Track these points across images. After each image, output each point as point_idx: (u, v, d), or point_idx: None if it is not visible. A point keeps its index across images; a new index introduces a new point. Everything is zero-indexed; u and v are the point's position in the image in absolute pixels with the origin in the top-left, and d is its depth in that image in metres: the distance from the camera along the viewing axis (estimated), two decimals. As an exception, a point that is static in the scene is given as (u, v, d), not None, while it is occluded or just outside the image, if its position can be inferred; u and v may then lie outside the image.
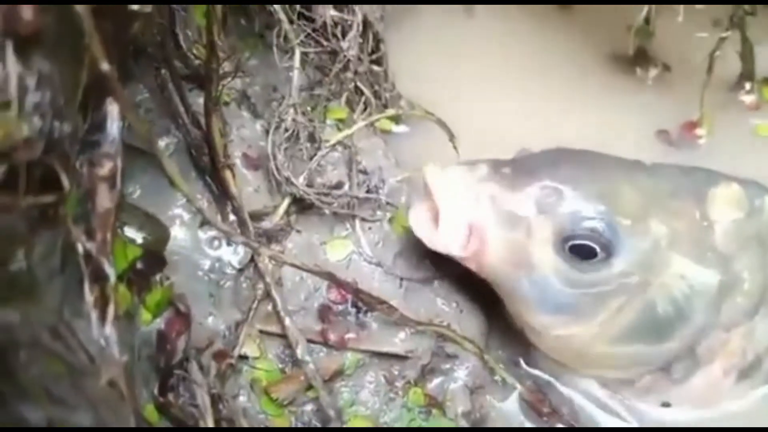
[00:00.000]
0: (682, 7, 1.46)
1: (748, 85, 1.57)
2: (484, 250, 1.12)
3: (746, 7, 1.43)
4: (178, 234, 1.14)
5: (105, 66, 0.75)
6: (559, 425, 1.21)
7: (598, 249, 1.08)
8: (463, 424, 1.21)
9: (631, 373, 1.21)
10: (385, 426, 1.17)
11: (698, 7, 1.52)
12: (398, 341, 1.21)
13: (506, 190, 1.10)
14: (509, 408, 1.25)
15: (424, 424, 1.19)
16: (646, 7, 1.49)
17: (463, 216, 1.12)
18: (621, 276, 1.10)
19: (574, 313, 1.13)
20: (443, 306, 1.27)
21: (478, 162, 1.15)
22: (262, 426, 1.10)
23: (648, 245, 1.10)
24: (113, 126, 0.82)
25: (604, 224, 1.08)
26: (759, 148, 1.53)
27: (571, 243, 1.09)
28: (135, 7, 0.81)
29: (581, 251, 1.09)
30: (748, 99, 1.58)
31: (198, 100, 1.16)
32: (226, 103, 1.26)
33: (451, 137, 1.32)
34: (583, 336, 1.15)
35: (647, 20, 1.52)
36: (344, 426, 1.13)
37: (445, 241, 1.13)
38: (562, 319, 1.14)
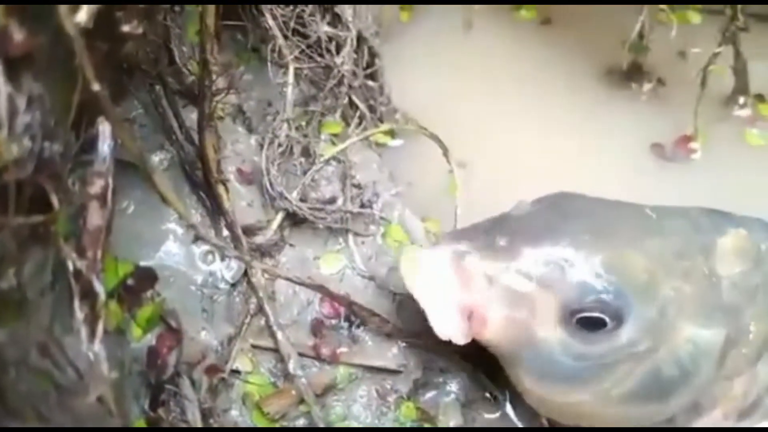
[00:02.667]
0: (675, 22, 1.47)
1: (741, 100, 1.58)
2: (484, 330, 1.06)
3: (739, 23, 1.44)
4: (172, 249, 1.15)
5: (96, 86, 0.76)
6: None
7: (608, 319, 1.03)
8: (456, 438, 1.22)
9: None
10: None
11: (693, 22, 1.54)
12: (390, 355, 1.22)
13: (504, 268, 1.03)
14: (502, 422, 1.25)
15: (417, 438, 1.20)
16: (639, 22, 1.50)
17: (457, 303, 1.05)
18: (629, 345, 1.05)
19: (579, 382, 1.08)
20: (436, 320, 1.27)
21: (462, 234, 1.08)
22: (253, 440, 1.10)
23: (656, 313, 1.06)
24: (104, 145, 0.83)
25: (613, 295, 1.02)
26: (753, 160, 1.54)
27: (579, 316, 1.03)
28: (126, 28, 0.82)
29: (589, 322, 1.03)
30: (742, 113, 1.58)
31: (192, 116, 1.18)
32: (221, 118, 1.27)
33: (445, 151, 1.33)
34: (587, 401, 1.10)
35: (641, 35, 1.53)
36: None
37: (445, 331, 1.06)
38: (566, 388, 1.09)
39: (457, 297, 1.04)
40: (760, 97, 1.57)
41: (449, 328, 1.05)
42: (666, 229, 1.11)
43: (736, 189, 1.50)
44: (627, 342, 1.05)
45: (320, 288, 1.15)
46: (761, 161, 1.54)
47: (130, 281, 0.91)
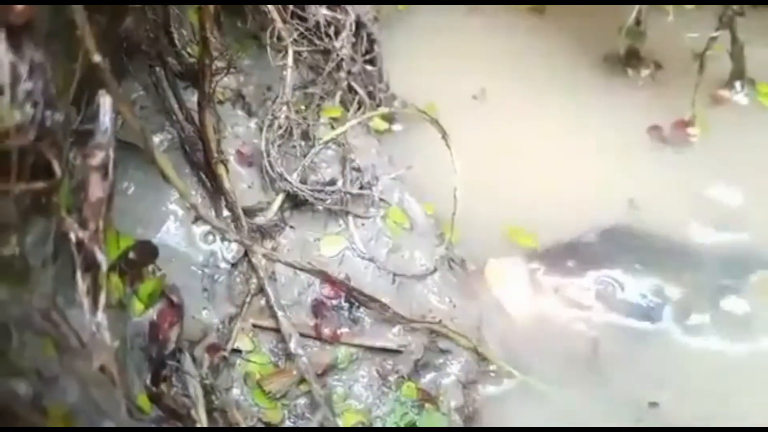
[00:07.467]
0: (671, 7, 1.48)
1: (738, 84, 1.58)
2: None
3: (735, 7, 1.44)
4: (173, 229, 1.16)
5: (96, 57, 0.77)
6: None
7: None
8: (456, 418, 1.22)
9: None
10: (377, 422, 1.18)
11: (688, 7, 1.55)
12: (391, 336, 1.22)
13: (570, 283, 1.35)
14: (503, 402, 1.26)
15: (417, 419, 1.20)
16: (636, 8, 1.51)
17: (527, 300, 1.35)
18: None
19: None
20: (436, 302, 1.28)
21: (537, 256, 1.39)
22: (255, 418, 1.11)
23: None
24: (105, 117, 0.83)
25: (654, 312, 1.33)
26: (751, 144, 1.55)
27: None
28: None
29: None
30: (739, 98, 1.59)
31: (192, 98, 1.18)
32: (221, 102, 1.28)
33: (444, 135, 1.32)
34: None
35: (638, 21, 1.54)
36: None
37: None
38: None
39: (529, 296, 1.35)
40: (752, 81, 1.58)
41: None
42: (703, 264, 1.40)
43: (733, 172, 1.51)
44: None
45: (320, 273, 1.15)
46: (759, 146, 1.55)
47: (131, 255, 0.92)
